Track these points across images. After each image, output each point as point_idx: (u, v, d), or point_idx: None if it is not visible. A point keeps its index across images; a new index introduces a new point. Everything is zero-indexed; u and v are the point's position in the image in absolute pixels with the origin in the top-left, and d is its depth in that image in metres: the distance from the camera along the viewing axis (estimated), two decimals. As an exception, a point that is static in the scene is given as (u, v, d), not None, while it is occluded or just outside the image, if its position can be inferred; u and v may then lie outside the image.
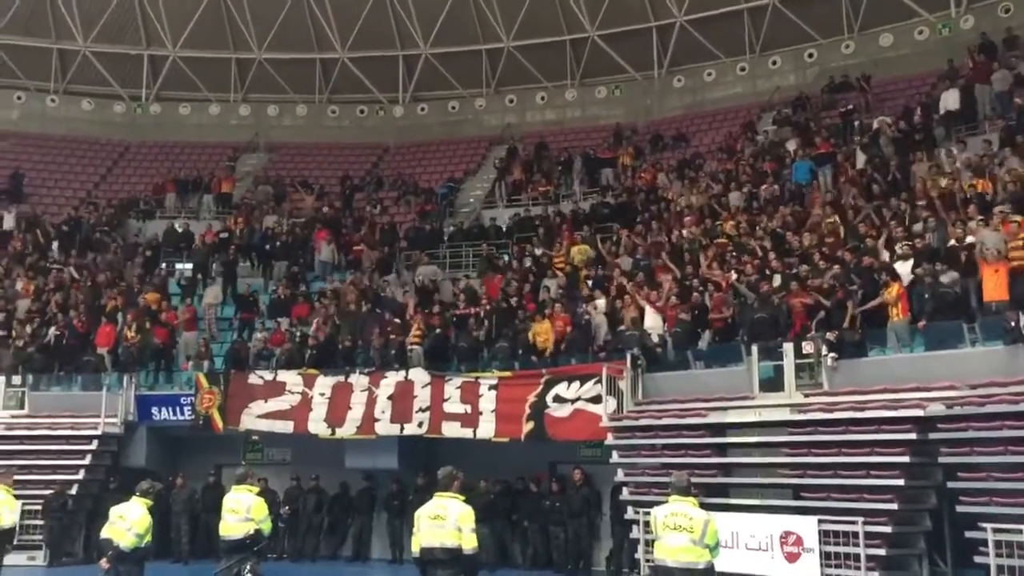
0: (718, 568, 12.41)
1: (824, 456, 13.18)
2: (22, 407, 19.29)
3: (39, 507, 17.73)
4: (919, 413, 12.26)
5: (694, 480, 13.19)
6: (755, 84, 28.82)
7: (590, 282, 18.75)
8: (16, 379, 19.48)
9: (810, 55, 28.32)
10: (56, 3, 30.60)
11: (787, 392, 14.08)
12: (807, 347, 14.00)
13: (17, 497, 16.37)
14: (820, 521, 12.62)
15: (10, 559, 15.76)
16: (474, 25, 30.84)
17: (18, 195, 27.74)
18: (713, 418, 14.56)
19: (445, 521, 8.12)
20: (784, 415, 13.96)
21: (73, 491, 18.26)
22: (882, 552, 12.11)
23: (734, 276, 16.27)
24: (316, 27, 31.32)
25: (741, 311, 15.75)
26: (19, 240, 24.77)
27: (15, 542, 14.39)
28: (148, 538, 10.29)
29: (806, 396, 13.86)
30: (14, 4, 30.23)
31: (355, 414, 17.82)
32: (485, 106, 31.78)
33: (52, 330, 20.45)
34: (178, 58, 31.86)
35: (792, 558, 12.79)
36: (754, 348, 14.49)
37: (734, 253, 17.39)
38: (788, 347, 14.14)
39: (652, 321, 16.35)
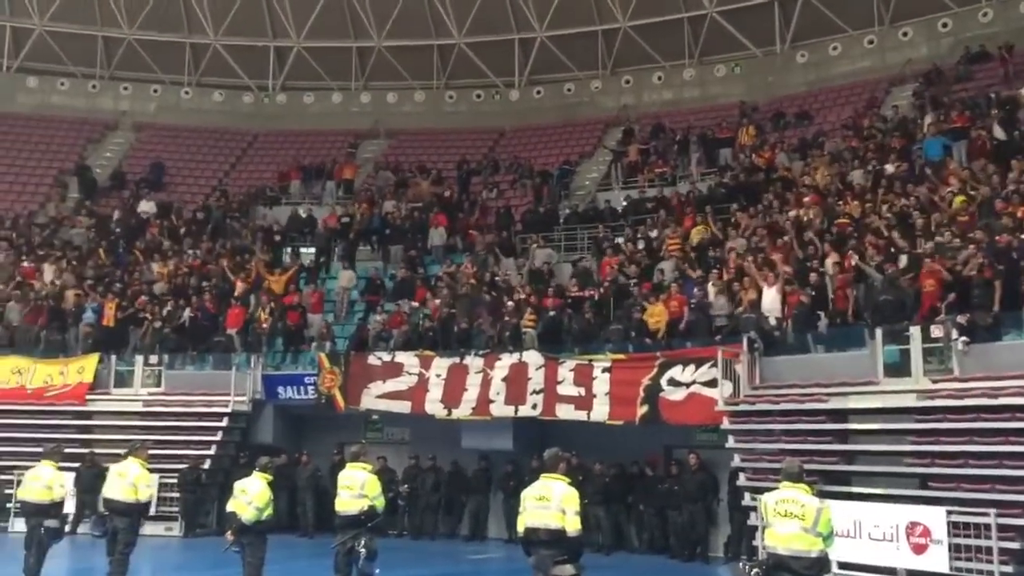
0: (839, 558, 12.26)
1: (954, 444, 12.66)
2: (159, 385, 20.35)
3: (175, 480, 18.71)
4: (1058, 401, 11.59)
5: (814, 467, 13.05)
6: (884, 57, 27.65)
7: (707, 263, 18.42)
8: (153, 358, 20.54)
9: (944, 25, 26.98)
10: (188, -1, 32.00)
11: (914, 377, 13.56)
12: (936, 331, 13.43)
13: (155, 471, 17.47)
14: (949, 512, 12.16)
15: (148, 529, 16.78)
16: (590, 6, 30.62)
17: (158, 184, 29.20)
18: (834, 404, 14.15)
19: (550, 503, 8.12)
20: (910, 401, 13.47)
21: (206, 466, 19.17)
22: (1016, 546, 11.53)
23: (856, 257, 15.66)
24: (433, 14, 31.70)
25: (866, 293, 15.18)
26: (155, 226, 26.03)
27: (152, 513, 15.24)
28: (269, 511, 10.68)
29: (934, 382, 13.31)
30: (150, 1, 31.69)
31: (470, 395, 18.02)
32: (601, 88, 31.54)
33: (187, 312, 21.42)
34: (302, 48, 32.83)
35: (919, 550, 12.34)
36: (878, 332, 13.97)
37: (856, 234, 16.75)
38: (915, 331, 13.59)
39: (770, 303, 15.92)
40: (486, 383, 17.92)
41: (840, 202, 18.59)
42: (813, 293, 15.60)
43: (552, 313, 18.63)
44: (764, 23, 29.17)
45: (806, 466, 9.02)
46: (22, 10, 31.74)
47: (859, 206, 17.95)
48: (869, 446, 13.80)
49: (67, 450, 14.32)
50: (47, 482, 11.81)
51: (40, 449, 13.34)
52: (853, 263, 15.55)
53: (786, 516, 7.58)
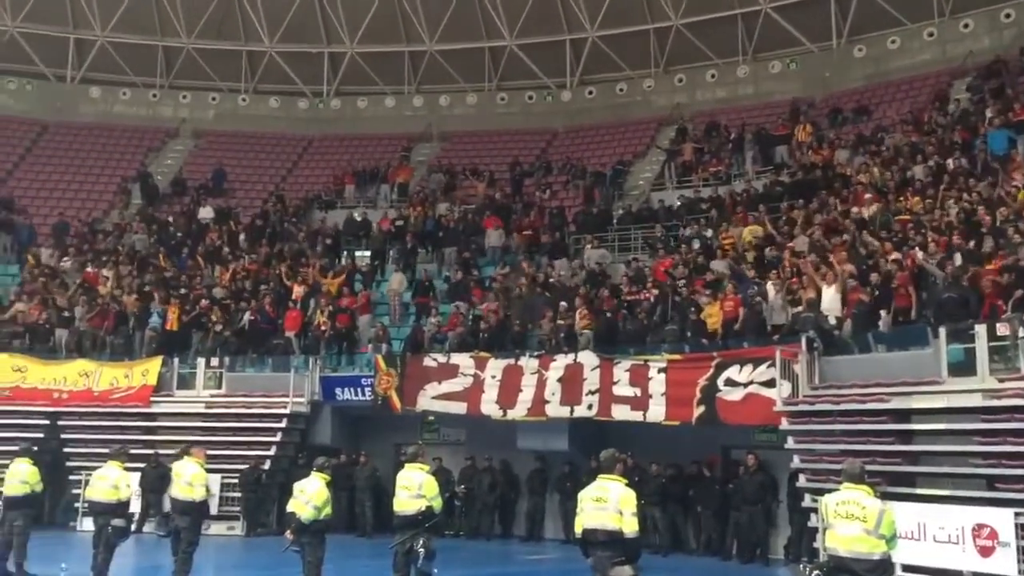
0: (903, 561, 12.03)
1: (1021, 445, 12.33)
2: (220, 387, 20.72)
3: (236, 480, 19.03)
4: None
5: (877, 468, 12.83)
6: (944, 50, 27.06)
7: (764, 262, 18.21)
8: (214, 361, 20.92)
9: (1007, 15, 26.30)
10: (244, 7, 32.51)
11: (980, 377, 13.23)
12: (1002, 329, 13.09)
13: (217, 471, 17.82)
14: (1017, 514, 11.87)
15: (212, 528, 17.11)
16: (641, 5, 30.48)
17: (219, 190, 29.76)
18: (896, 404, 13.88)
19: (607, 504, 8.10)
20: (976, 401, 13.15)
21: (266, 466, 19.45)
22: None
23: (920, 255, 15.35)
24: (485, 16, 31.83)
25: (928, 291, 14.88)
26: (215, 232, 26.51)
27: (212, 513, 15.47)
28: (327, 511, 10.79)
29: (1001, 381, 12.97)
30: (208, 10, 32.33)
31: (525, 396, 18.03)
32: (653, 87, 31.36)
33: (247, 315, 21.78)
34: (355, 54, 33.19)
35: (986, 552, 12.06)
36: (942, 330, 13.67)
37: (919, 230, 16.42)
38: (981, 329, 13.25)
39: (829, 302, 15.68)
40: (541, 384, 17.92)
41: (900, 198, 18.24)
42: (877, 293, 15.30)
43: (608, 314, 18.56)
44: (820, 17, 28.75)
45: (868, 467, 8.88)
46: (84, 22, 32.58)
47: (919, 202, 17.61)
48: (934, 447, 13.54)
49: (132, 451, 14.69)
50: (114, 482, 12.11)
51: (107, 450, 13.73)
52: (918, 260, 15.24)
53: (847, 518, 7.46)
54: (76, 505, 19.03)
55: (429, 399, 19.21)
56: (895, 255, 15.74)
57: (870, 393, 14.22)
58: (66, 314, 22.43)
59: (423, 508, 10.31)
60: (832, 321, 15.44)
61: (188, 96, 33.90)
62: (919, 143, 20.68)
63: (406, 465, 10.80)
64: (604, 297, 19.26)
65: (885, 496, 10.67)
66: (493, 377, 18.51)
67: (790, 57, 29.62)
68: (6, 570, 12.95)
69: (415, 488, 10.37)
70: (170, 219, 27.69)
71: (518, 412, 18.19)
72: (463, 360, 19.03)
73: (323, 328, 21.14)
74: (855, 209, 18.57)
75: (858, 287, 15.61)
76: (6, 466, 13.82)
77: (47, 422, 20.26)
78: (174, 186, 30.36)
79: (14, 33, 31.95)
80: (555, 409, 17.76)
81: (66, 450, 20.05)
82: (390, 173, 29.16)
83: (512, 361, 18.49)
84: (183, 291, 22.99)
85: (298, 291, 22.36)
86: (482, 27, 32.06)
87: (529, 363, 18.26)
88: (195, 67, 33.45)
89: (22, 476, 13.09)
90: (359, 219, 26.60)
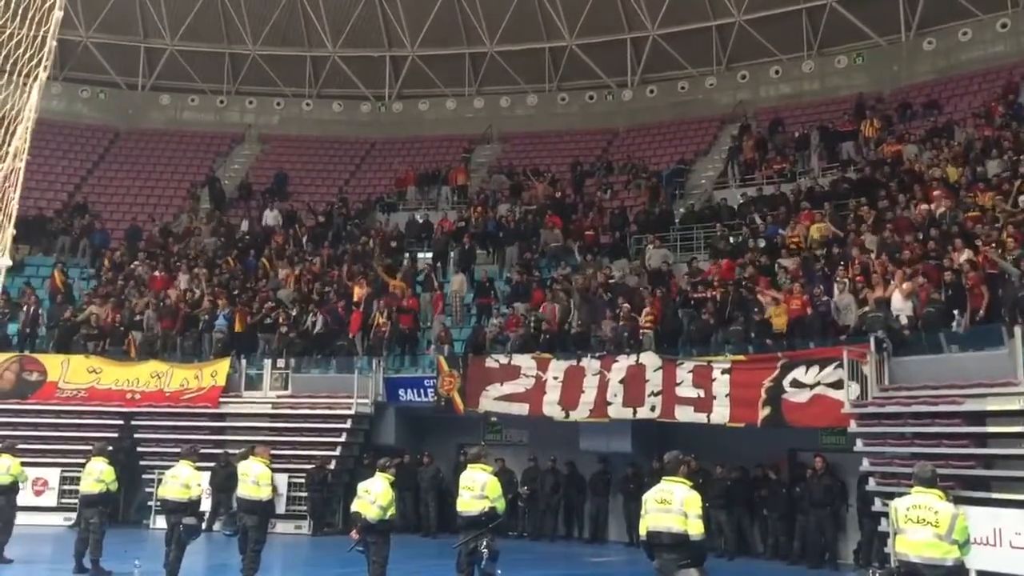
0: (978, 567, 11.71)
1: (1103, 449, 11.90)
2: (286, 388, 21.06)
3: (303, 480, 19.30)
4: None
5: (950, 472, 12.50)
6: (1019, 41, 26.29)
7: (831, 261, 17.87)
8: (280, 362, 21.25)
9: (1085, 3, 25.45)
10: (308, 13, 32.98)
11: (1058, 378, 12.80)
12: (1081, 328, 12.66)
13: (284, 471, 18.13)
14: (1098, 520, 11.44)
15: (279, 527, 17.39)
16: (703, 2, 30.17)
17: (282, 194, 30.25)
18: (970, 405, 13.50)
19: (671, 506, 8.03)
20: (1054, 403, 12.70)
21: (332, 466, 19.69)
22: None
23: (991, 252, 14.91)
24: (545, 17, 31.82)
25: (1003, 289, 14.45)
26: (280, 235, 26.93)
27: (280, 512, 15.74)
28: (392, 511, 10.92)
29: (1080, 382, 12.54)
30: (272, 17, 32.90)
31: (588, 397, 17.95)
32: (716, 84, 31.01)
33: (310, 317, 22.08)
34: (416, 57, 33.46)
35: (1066, 559, 11.66)
36: (1017, 329, 13.26)
37: (987, 227, 15.95)
38: (1059, 328, 12.84)
39: (900, 302, 15.32)
40: (603, 385, 17.83)
41: (971, 195, 17.75)
42: (950, 292, 14.91)
43: (672, 314, 18.40)
44: (888, 10, 28.12)
45: (941, 471, 8.66)
46: (154, 31, 33.41)
47: (992, 198, 17.11)
48: (1010, 450, 13.13)
49: (202, 450, 15.01)
50: (185, 481, 12.40)
51: (178, 449, 14.05)
52: (988, 257, 14.81)
53: (919, 522, 7.29)
54: (149, 503, 19.50)
55: (491, 400, 19.26)
56: (967, 254, 15.31)
57: (942, 395, 13.89)
58: (137, 317, 22.98)
59: (486, 509, 10.35)
60: (904, 320, 15.10)
61: (254, 102, 34.54)
62: (992, 138, 20.10)
63: (469, 466, 10.85)
64: (669, 297, 19.10)
65: (958, 500, 10.40)
66: (555, 378, 18.48)
67: (856, 51, 29.05)
68: (83, 566, 13.36)
69: (478, 489, 10.42)
70: (243, 224, 28.16)
71: (580, 413, 18.12)
72: (525, 361, 19.03)
73: (384, 330, 21.32)
74: (924, 206, 18.12)
75: (927, 285, 15.24)
76: (83, 465, 14.28)
77: (121, 422, 20.78)
78: (240, 190, 30.94)
79: (88, 43, 32.89)
80: (617, 410, 17.66)
81: (139, 449, 20.53)
82: (450, 175, 29.34)
83: (574, 362, 18.43)
84: (250, 293, 23.38)
85: (359, 292, 22.59)
86: (542, 28, 32.06)
87: (591, 364, 18.18)
88: (260, 73, 34.09)
89: (97, 475, 13.51)
90: (421, 221, 26.80)
